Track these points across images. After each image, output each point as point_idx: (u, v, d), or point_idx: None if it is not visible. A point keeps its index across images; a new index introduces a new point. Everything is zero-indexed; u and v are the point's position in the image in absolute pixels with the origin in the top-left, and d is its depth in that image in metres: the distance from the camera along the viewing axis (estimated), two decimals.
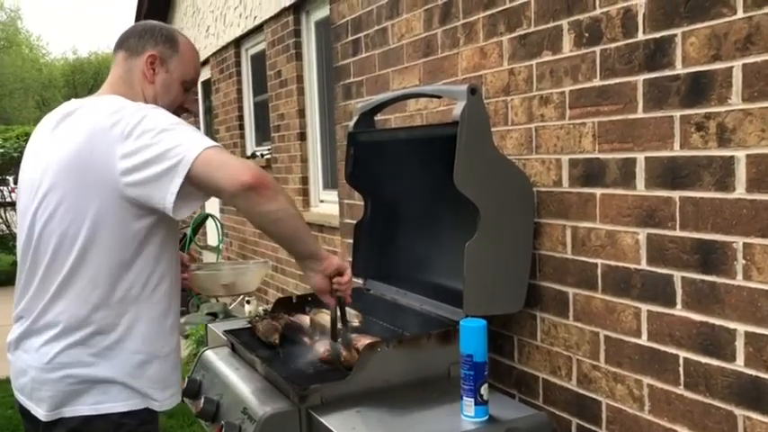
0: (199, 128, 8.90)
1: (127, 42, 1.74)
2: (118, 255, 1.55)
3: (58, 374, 1.55)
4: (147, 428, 1.63)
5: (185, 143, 1.48)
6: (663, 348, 1.64)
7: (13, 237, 9.51)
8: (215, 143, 1.52)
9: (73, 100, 1.75)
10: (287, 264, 5.68)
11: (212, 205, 8.14)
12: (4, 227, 9.52)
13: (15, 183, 9.89)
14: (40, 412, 1.57)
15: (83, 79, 36.65)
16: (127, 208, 1.51)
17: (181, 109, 1.79)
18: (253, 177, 1.45)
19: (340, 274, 1.74)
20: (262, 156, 6.38)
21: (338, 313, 1.87)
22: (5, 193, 9.76)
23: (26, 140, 7.71)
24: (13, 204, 9.68)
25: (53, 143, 1.62)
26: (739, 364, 1.46)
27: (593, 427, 1.86)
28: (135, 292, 1.58)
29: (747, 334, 1.44)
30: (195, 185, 1.48)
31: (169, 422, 4.03)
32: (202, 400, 1.92)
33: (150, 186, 1.48)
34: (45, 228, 1.57)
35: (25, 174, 1.69)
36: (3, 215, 9.57)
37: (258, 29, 5.96)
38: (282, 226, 1.57)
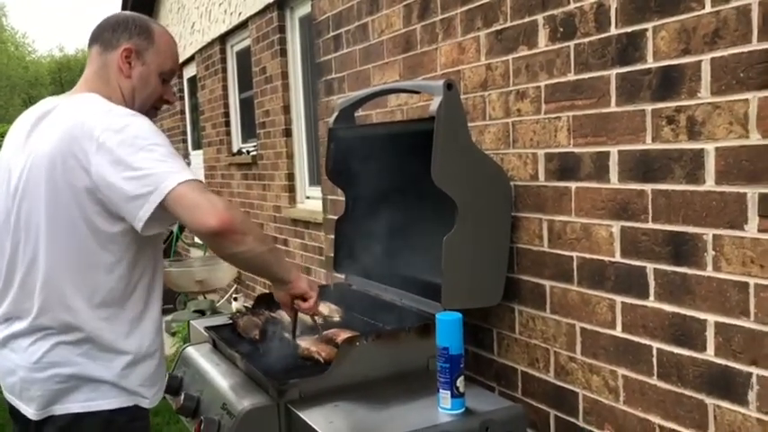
0: (185, 125, 8.87)
1: (101, 36, 1.69)
2: (97, 257, 1.55)
3: (47, 374, 1.55)
4: (137, 425, 1.64)
5: (161, 173, 1.45)
6: (637, 339, 1.66)
7: None
8: (190, 176, 1.48)
9: (48, 98, 1.74)
10: None
11: None
12: None
13: None
14: (30, 411, 1.57)
15: (70, 77, 36.39)
16: (100, 212, 1.51)
17: (161, 101, 1.76)
18: (220, 223, 1.44)
19: (304, 299, 1.78)
20: (248, 152, 6.38)
21: (293, 325, 1.96)
22: None
23: None
24: None
25: (30, 144, 1.61)
26: (710, 354, 1.48)
27: (570, 419, 1.88)
28: (117, 294, 1.58)
29: (717, 324, 1.46)
30: (166, 211, 1.48)
31: (155, 419, 4.03)
32: (182, 397, 1.93)
33: (122, 202, 1.48)
34: (22, 230, 1.57)
35: (2, 174, 1.68)
36: None
37: (243, 25, 5.94)
38: (251, 263, 1.63)
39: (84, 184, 1.49)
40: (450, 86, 1.85)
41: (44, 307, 1.55)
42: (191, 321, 2.47)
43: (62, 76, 36.49)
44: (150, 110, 1.75)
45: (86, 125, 1.51)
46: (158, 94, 1.75)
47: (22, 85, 35.34)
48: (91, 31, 1.72)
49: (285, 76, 5.29)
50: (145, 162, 1.46)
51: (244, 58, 6.39)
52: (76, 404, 1.57)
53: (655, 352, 1.61)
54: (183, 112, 8.97)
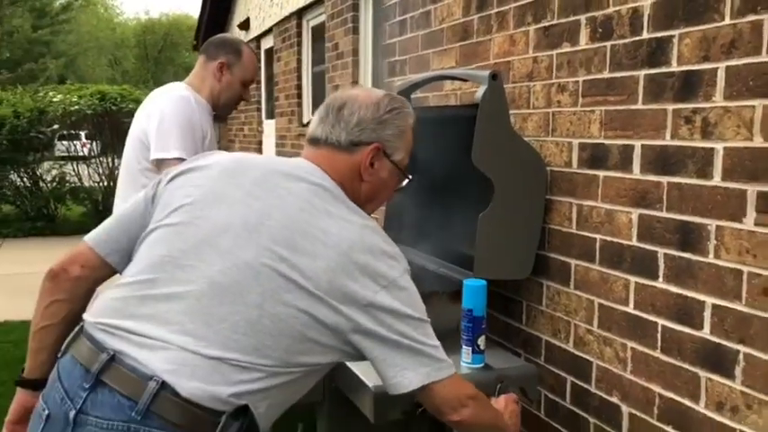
0: (260, 95, 9.23)
1: (207, 50, 2.47)
2: None
3: None
4: None
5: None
6: (645, 316, 1.83)
7: (84, 189, 10.10)
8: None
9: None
10: None
11: None
12: (76, 179, 10.11)
13: (87, 138, 10.46)
14: None
15: (153, 40, 37.67)
16: None
17: (241, 100, 2.53)
18: None
19: None
20: None
21: None
22: (78, 148, 10.34)
23: (100, 98, 8.13)
24: (84, 158, 10.26)
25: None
26: (706, 332, 1.65)
27: (584, 385, 2.07)
28: None
29: (714, 306, 1.63)
30: None
31: None
32: None
33: None
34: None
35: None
36: (75, 168, 10.16)
37: (319, 1, 6.18)
38: None
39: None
40: (494, 77, 2.04)
41: None
42: None
43: (146, 39, 37.76)
44: (233, 105, 2.55)
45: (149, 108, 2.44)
46: (239, 95, 2.51)
47: (108, 47, 36.77)
48: (203, 45, 2.54)
49: (356, 53, 5.51)
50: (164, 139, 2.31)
51: (318, 33, 6.65)
52: None
53: (660, 328, 1.79)
54: (258, 81, 9.33)
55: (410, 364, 1.33)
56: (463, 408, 1.37)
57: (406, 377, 1.32)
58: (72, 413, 1.21)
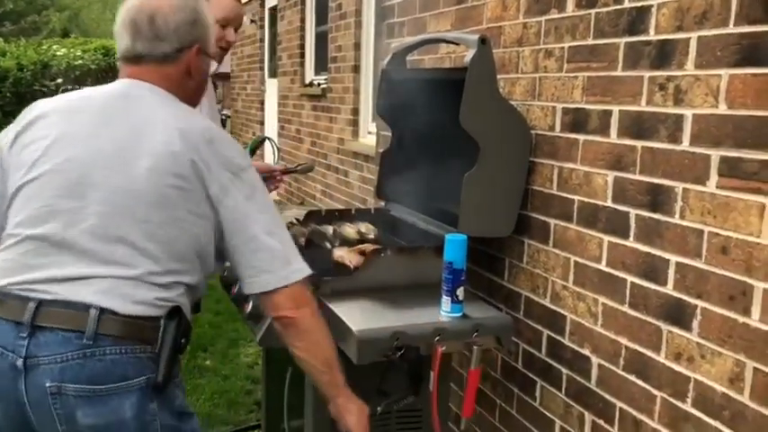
0: (263, 53, 9.23)
1: None
2: None
3: None
4: None
5: None
6: (616, 273, 1.94)
7: None
8: None
9: None
10: (335, 189, 6.07)
11: (271, 128, 8.56)
12: None
13: None
14: None
15: None
16: None
17: (223, 41, 2.31)
18: None
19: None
20: (318, 85, 6.71)
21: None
22: None
23: (104, 53, 8.26)
24: None
25: None
26: (669, 288, 1.76)
27: (558, 337, 2.19)
28: None
29: (677, 263, 1.73)
30: None
31: (216, 318, 4.54)
32: (237, 286, 2.33)
33: None
34: None
35: None
36: None
37: None
38: None
39: None
40: (483, 41, 2.12)
41: None
42: None
43: None
44: (216, 51, 2.29)
45: None
46: (217, 37, 2.24)
47: (112, 0, 36.33)
48: None
49: (359, 13, 5.54)
50: None
51: None
52: None
53: (628, 284, 1.90)
54: (262, 40, 9.33)
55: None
56: (306, 306, 1.56)
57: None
58: (19, 361, 1.34)
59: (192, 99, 1.62)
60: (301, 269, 1.55)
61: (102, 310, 1.35)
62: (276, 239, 1.52)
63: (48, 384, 1.33)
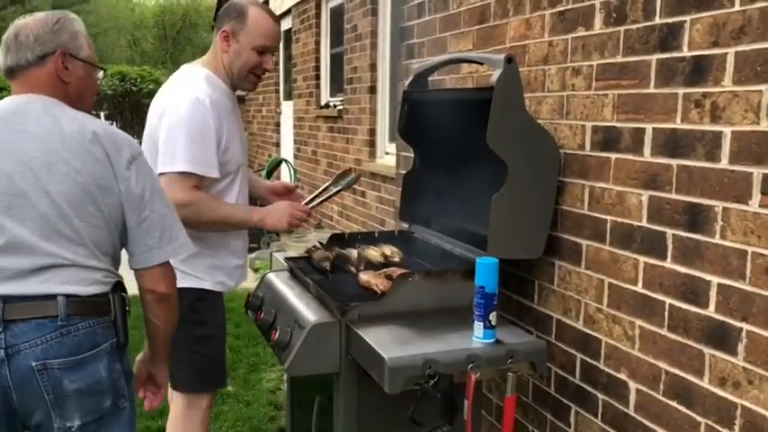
0: (278, 76, 9.27)
1: (216, 20, 2.36)
2: None
3: None
4: (203, 303, 2.26)
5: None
6: (653, 295, 1.89)
7: None
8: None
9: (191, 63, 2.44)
10: (352, 210, 6.04)
11: (286, 150, 8.57)
12: None
13: (107, 119, 10.60)
14: None
15: (172, 20, 37.70)
16: None
17: (259, 69, 2.32)
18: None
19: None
20: (335, 106, 6.71)
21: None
22: None
23: (120, 79, 8.35)
24: None
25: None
26: (711, 311, 1.70)
27: (593, 362, 2.13)
28: None
29: (719, 285, 1.68)
30: None
31: (236, 342, 4.50)
32: (263, 312, 2.30)
33: None
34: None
35: None
36: None
37: None
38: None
39: None
40: (510, 60, 2.09)
41: None
42: (273, 253, 2.83)
43: (165, 20, 37.82)
44: (249, 76, 2.32)
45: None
46: (253, 64, 2.28)
47: (127, 27, 36.88)
48: None
49: (374, 35, 5.55)
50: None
51: (337, 14, 6.68)
52: None
53: (667, 307, 1.84)
54: (276, 62, 9.38)
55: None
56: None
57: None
58: (1, 352, 1.58)
59: (79, 103, 1.78)
60: (185, 243, 1.81)
61: (68, 296, 1.63)
62: (165, 218, 1.76)
63: (34, 364, 1.60)
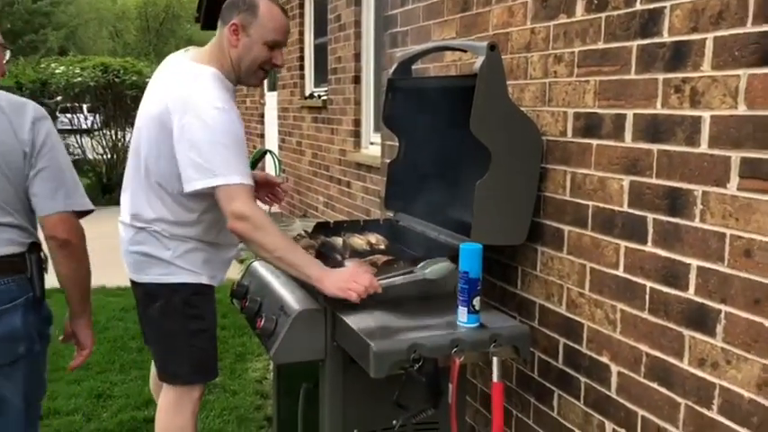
0: None
1: (222, 13, 2.18)
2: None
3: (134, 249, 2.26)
4: (198, 297, 2.26)
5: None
6: (634, 279, 1.91)
7: (88, 161, 10.16)
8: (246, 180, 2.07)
9: (181, 54, 2.31)
10: (337, 201, 6.04)
11: (271, 141, 8.54)
12: (79, 151, 10.17)
13: (90, 111, 10.49)
14: (129, 273, 2.32)
15: (154, 11, 37.34)
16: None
17: (269, 64, 2.22)
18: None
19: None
20: (319, 97, 6.69)
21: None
22: (81, 120, 10.38)
23: (103, 70, 8.25)
24: (87, 131, 10.31)
25: (153, 93, 2.26)
26: (691, 293, 1.73)
27: (575, 345, 2.16)
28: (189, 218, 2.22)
29: (699, 268, 1.70)
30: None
31: (222, 333, 4.50)
32: (248, 300, 2.30)
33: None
34: (142, 156, 2.22)
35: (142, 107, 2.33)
36: (78, 141, 10.22)
37: None
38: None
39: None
40: (493, 48, 2.10)
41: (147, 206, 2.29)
42: None
43: (147, 11, 37.44)
44: (258, 71, 2.23)
45: (181, 107, 2.11)
46: (263, 59, 2.18)
47: (109, 18, 36.49)
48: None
49: (358, 24, 5.53)
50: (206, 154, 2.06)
51: (321, 4, 6.65)
52: (150, 276, 2.23)
53: (648, 290, 1.87)
54: None
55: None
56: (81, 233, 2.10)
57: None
58: None
59: None
60: (82, 196, 2.02)
61: None
62: (63, 171, 1.98)
63: None
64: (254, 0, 2.13)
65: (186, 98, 2.08)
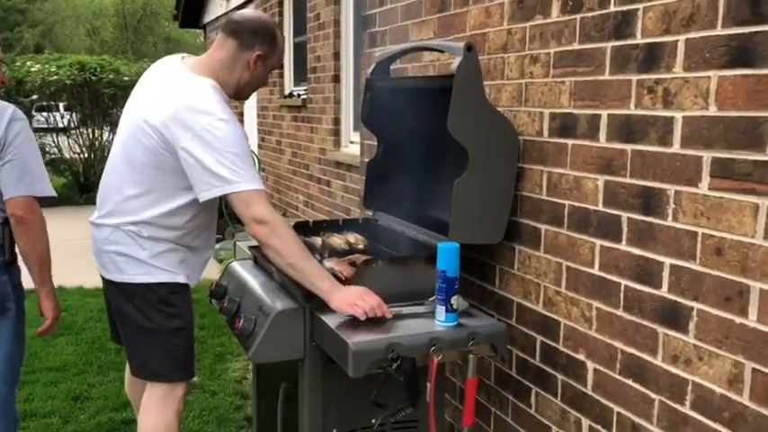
0: None
1: (240, 35, 2.22)
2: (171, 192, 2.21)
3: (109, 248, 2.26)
4: (176, 297, 2.26)
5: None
6: (609, 277, 1.94)
7: (65, 161, 10.04)
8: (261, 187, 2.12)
9: (177, 60, 2.30)
10: (317, 200, 6.03)
11: (250, 140, 8.48)
12: (56, 150, 10.05)
13: (66, 110, 10.37)
14: (103, 272, 2.32)
15: (132, 9, 36.98)
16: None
17: (263, 83, 2.38)
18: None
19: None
20: (298, 96, 6.68)
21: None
22: (57, 119, 10.26)
23: (79, 69, 8.14)
24: (63, 130, 10.19)
25: (146, 95, 2.27)
26: (664, 291, 1.76)
27: (552, 343, 2.18)
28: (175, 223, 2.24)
29: (671, 266, 1.73)
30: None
31: (201, 333, 4.48)
32: (227, 300, 2.30)
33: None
34: (132, 159, 2.21)
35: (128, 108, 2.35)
36: (55, 139, 10.10)
37: None
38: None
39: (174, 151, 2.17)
40: (470, 48, 2.11)
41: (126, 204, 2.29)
42: (236, 242, 2.84)
43: (125, 8, 37.07)
44: (254, 90, 2.39)
45: (190, 117, 2.11)
46: (263, 81, 2.35)
47: (86, 16, 36.05)
48: (229, 22, 2.28)
49: (337, 23, 5.53)
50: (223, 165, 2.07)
51: (300, 3, 6.64)
52: (126, 276, 2.23)
53: (622, 288, 1.89)
54: None
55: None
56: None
57: None
58: None
59: None
60: (45, 184, 2.34)
61: None
62: (29, 163, 2.29)
63: None
64: (273, 31, 2.29)
65: (190, 110, 2.09)
